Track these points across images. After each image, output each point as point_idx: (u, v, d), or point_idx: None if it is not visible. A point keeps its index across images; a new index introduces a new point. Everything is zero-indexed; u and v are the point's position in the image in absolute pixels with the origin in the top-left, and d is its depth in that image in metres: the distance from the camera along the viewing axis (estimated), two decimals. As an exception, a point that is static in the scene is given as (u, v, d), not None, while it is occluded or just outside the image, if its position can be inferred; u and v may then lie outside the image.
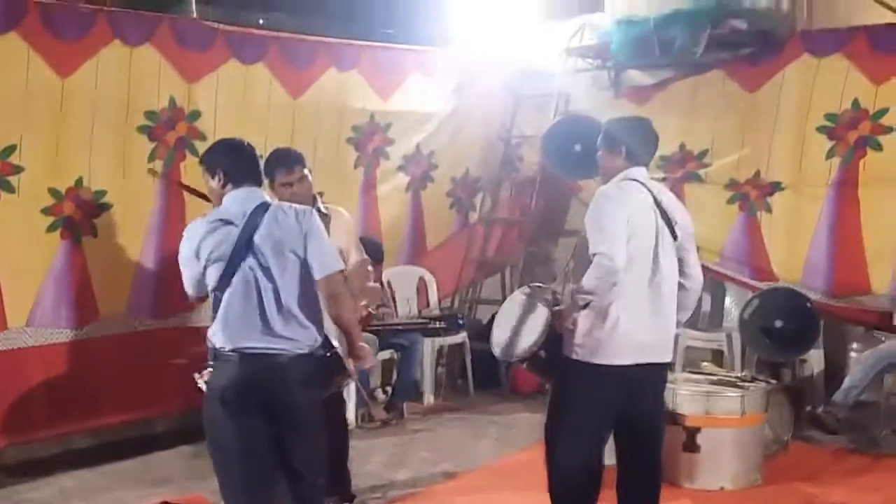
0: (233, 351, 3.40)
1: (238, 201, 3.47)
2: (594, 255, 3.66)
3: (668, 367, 4.04)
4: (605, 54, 7.20)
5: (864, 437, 5.93)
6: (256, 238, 3.39)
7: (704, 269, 6.73)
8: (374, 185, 7.06)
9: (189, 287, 3.52)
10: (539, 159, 7.55)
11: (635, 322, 3.74)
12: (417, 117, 7.23)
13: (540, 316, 3.89)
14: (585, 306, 3.71)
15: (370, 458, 5.68)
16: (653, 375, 3.90)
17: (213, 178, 3.53)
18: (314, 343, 3.47)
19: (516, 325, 4.04)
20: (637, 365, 3.77)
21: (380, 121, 6.96)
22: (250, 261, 3.38)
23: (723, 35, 6.51)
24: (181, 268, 3.50)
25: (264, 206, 3.44)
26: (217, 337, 3.43)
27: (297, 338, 3.42)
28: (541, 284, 4.19)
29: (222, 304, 3.41)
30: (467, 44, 7.44)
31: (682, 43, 6.50)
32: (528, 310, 4.00)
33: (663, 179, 6.88)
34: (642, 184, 3.85)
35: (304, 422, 3.49)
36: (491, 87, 7.73)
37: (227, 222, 3.43)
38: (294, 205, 3.57)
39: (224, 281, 3.39)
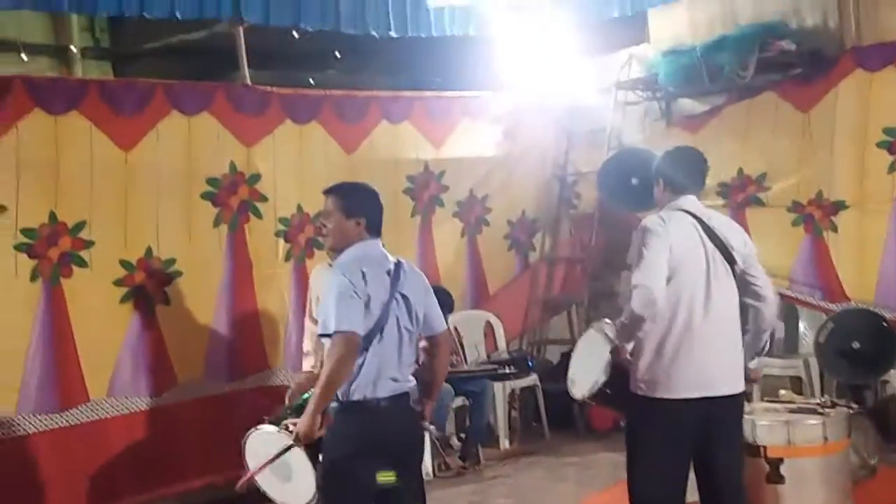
0: (382, 399, 3.49)
1: (373, 249, 3.60)
2: (634, 287, 3.65)
3: (739, 397, 3.90)
4: (653, 85, 7.22)
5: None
6: (405, 290, 3.55)
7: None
8: (431, 232, 7.12)
9: (353, 325, 3.39)
10: (596, 195, 7.54)
11: (692, 354, 3.70)
12: (470, 163, 7.30)
13: (603, 352, 3.87)
14: (630, 338, 3.74)
15: (450, 508, 5.69)
16: (721, 408, 3.79)
17: (348, 219, 3.59)
18: (415, 392, 3.65)
19: (584, 363, 4.06)
20: (703, 398, 3.72)
21: (434, 169, 7.04)
22: (396, 310, 3.52)
23: (772, 57, 6.50)
24: (333, 310, 3.39)
25: (398, 261, 3.62)
26: (361, 388, 3.48)
27: (412, 384, 3.61)
28: (608, 320, 4.13)
29: (371, 354, 3.46)
30: (515, 85, 7.48)
31: (730, 68, 6.49)
32: (593, 347, 3.99)
33: (724, 206, 6.86)
34: (690, 213, 3.84)
35: (416, 462, 3.69)
36: (542, 127, 7.77)
37: (377, 267, 3.54)
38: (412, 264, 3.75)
39: (377, 326, 3.47)
